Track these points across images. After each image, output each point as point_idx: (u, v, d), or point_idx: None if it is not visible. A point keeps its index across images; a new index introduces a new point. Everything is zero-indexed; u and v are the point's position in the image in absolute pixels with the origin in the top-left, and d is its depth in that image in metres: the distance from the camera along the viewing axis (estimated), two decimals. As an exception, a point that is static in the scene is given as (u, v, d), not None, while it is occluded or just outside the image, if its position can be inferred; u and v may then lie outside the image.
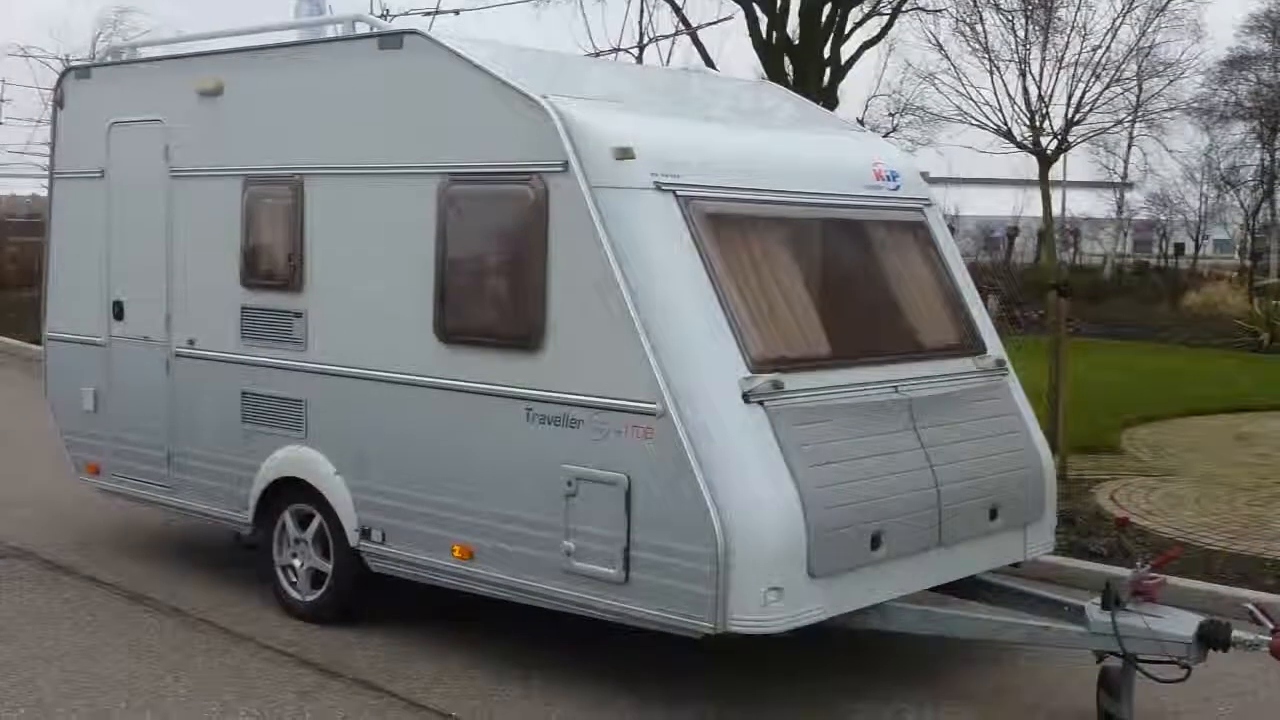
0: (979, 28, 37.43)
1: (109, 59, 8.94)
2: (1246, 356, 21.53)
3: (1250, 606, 6.15)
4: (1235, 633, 5.93)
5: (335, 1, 10.94)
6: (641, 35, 19.50)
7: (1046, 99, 37.42)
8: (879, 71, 54.34)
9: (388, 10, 17.14)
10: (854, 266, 7.16)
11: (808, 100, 9.22)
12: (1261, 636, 5.89)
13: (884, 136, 22.96)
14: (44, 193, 11.20)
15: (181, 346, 8.09)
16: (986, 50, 37.59)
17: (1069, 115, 37.46)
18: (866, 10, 21.09)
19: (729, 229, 6.39)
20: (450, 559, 6.71)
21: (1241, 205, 45.58)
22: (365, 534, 7.11)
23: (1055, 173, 39.14)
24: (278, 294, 7.54)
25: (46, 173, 9.35)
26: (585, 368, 6.17)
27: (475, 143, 6.62)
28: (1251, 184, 44.03)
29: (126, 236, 8.41)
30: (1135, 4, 36.53)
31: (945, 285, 7.41)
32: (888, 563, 6.23)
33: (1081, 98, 37.56)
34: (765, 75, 19.80)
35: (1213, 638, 5.94)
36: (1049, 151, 37.40)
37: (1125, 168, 45.90)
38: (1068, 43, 37.60)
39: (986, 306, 7.92)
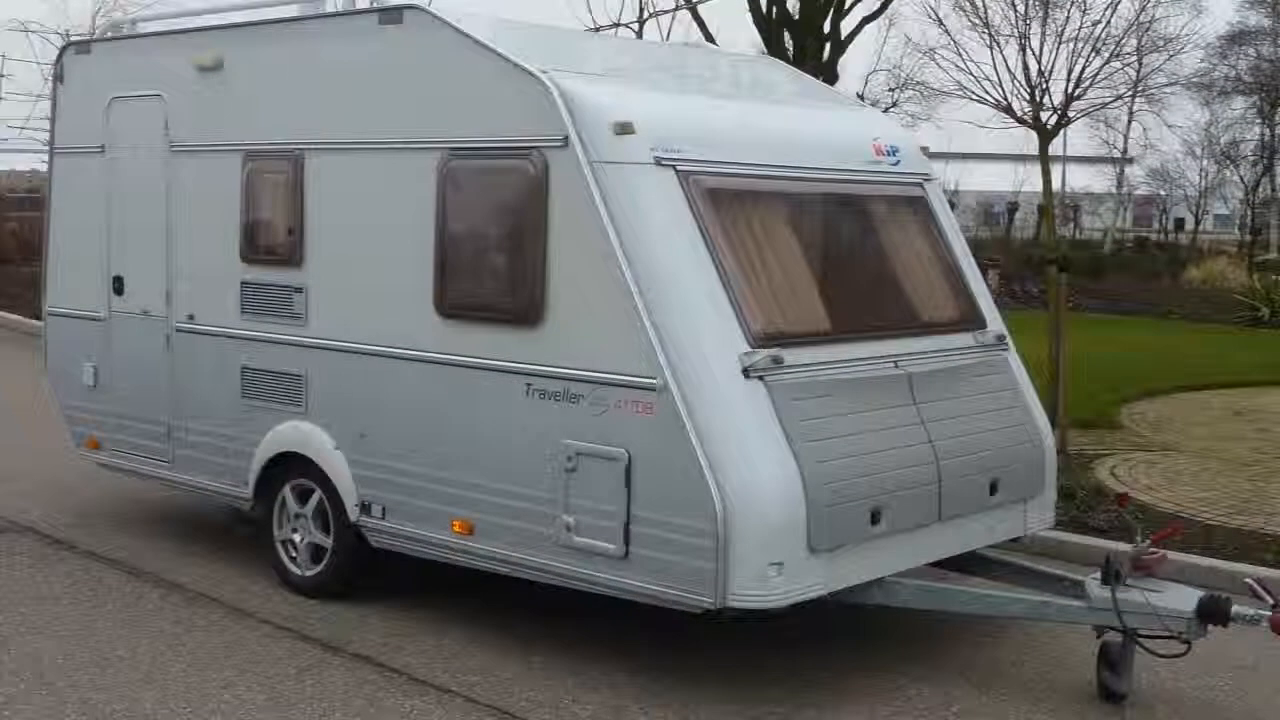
0: (979, 2, 37.44)
1: (109, 34, 8.93)
2: (1246, 331, 21.54)
3: (1250, 581, 6.15)
4: (1235, 608, 5.94)
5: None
6: (642, 10, 19.46)
7: (1046, 74, 37.43)
8: (879, 47, 54.34)
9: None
10: (854, 241, 7.15)
11: (807, 75, 9.20)
12: (1261, 611, 5.90)
13: (884, 112, 22.92)
14: (44, 168, 11.18)
15: (181, 321, 8.08)
16: (986, 25, 37.59)
17: (1069, 90, 37.47)
18: (866, -15, 21.05)
19: (729, 204, 6.37)
20: (450, 534, 6.72)
21: (1241, 180, 45.63)
22: (365, 509, 7.12)
23: (1055, 148, 39.19)
24: (277, 269, 7.54)
25: (46, 148, 9.33)
26: (585, 343, 6.16)
27: (475, 118, 6.60)
28: (1251, 159, 44.09)
29: (126, 211, 8.39)
30: (1136, -21, 36.53)
31: (945, 260, 7.40)
32: (888, 538, 6.24)
33: (1081, 73, 37.58)
34: (765, 50, 19.74)
35: (1212, 613, 5.95)
36: (1049, 126, 37.39)
37: (1125, 143, 45.94)
38: (1068, 18, 37.63)
39: (986, 281, 7.91)
